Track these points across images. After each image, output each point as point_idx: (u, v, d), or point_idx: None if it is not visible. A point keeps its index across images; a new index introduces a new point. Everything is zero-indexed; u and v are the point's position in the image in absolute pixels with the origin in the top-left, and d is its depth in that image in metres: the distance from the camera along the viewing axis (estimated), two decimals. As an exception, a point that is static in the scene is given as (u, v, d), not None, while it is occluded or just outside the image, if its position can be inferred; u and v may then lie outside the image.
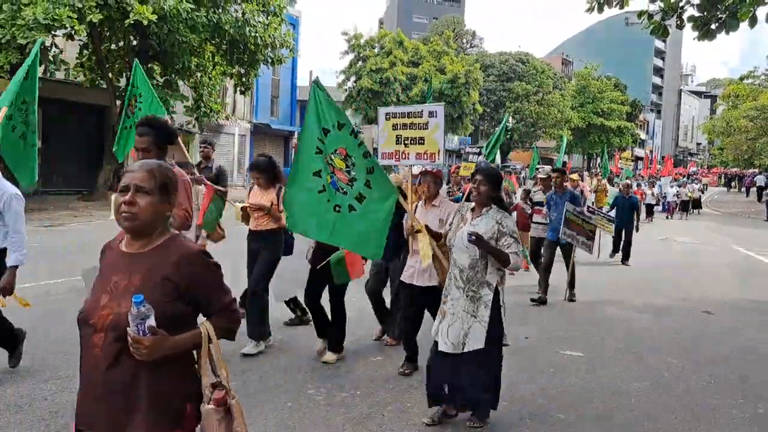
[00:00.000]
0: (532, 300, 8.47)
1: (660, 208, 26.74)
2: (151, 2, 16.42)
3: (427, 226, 4.76)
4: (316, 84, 4.72)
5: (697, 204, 30.42)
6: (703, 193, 33.45)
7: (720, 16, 8.16)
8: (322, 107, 4.61)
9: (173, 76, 20.17)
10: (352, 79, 36.46)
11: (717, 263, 13.64)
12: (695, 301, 9.41)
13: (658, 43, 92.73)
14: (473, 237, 3.97)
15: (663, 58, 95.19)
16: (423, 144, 5.13)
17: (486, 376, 4.18)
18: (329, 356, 5.61)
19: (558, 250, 8.83)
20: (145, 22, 16.22)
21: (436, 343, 4.29)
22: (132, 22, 16.24)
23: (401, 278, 5.34)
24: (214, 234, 6.75)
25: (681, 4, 8.48)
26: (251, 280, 5.83)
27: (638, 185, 24.81)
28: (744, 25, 7.85)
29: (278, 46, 20.67)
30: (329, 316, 5.72)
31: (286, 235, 6.05)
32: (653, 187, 26.27)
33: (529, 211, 10.21)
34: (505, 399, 4.89)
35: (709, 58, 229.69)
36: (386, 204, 4.63)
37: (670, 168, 46.94)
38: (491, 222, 4.16)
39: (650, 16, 8.56)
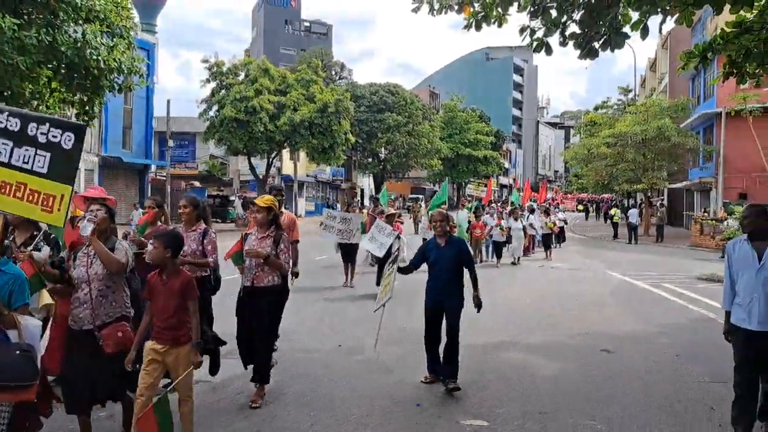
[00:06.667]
0: None
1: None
2: (-35, 18, 13.93)
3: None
4: None
5: (560, 236, 24.31)
6: (566, 223, 27.18)
7: (604, 32, 7.64)
8: None
9: (4, 103, 17.41)
10: (215, 108, 34.29)
11: (598, 291, 13.31)
12: (593, 336, 8.73)
13: (516, 77, 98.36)
14: None
15: (521, 91, 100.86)
16: None
17: None
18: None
19: None
20: (-40, 42, 13.72)
21: None
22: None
23: None
24: None
25: (563, 20, 7.88)
26: None
27: (477, 217, 18.02)
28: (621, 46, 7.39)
29: (126, 71, 18.49)
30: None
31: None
32: (501, 219, 18.49)
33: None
34: None
35: (560, 92, 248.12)
36: None
37: (530, 194, 48.46)
38: None
39: (533, 31, 7.88)
